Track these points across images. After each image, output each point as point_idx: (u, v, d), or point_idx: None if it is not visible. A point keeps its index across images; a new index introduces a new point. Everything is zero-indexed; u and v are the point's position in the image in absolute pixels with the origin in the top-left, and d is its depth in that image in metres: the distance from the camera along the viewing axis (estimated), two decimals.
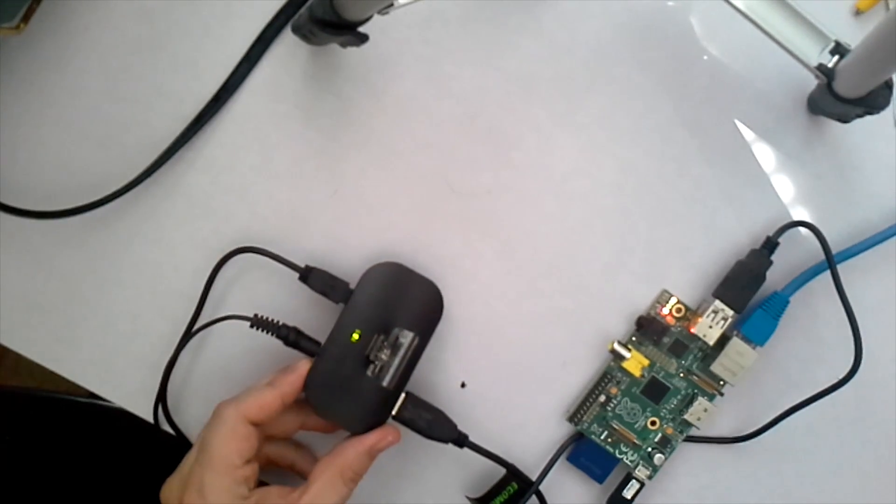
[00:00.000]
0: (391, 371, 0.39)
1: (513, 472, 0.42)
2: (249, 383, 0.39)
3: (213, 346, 0.43)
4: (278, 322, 0.40)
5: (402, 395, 0.40)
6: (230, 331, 0.42)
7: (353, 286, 0.40)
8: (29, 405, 0.67)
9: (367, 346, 0.39)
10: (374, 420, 0.39)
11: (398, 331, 0.39)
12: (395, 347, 0.39)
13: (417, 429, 0.40)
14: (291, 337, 0.40)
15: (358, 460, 0.38)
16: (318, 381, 0.39)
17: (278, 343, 0.40)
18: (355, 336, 0.39)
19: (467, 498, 0.44)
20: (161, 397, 0.42)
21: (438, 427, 0.40)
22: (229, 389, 0.41)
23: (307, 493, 0.37)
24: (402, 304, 0.40)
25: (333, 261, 0.42)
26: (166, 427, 0.43)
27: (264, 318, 0.40)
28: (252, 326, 0.40)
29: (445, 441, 0.41)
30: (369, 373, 0.39)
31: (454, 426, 0.41)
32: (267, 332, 0.40)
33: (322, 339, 0.40)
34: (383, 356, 0.39)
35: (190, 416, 0.43)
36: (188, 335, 0.42)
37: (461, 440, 0.41)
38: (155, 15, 0.41)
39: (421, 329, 0.40)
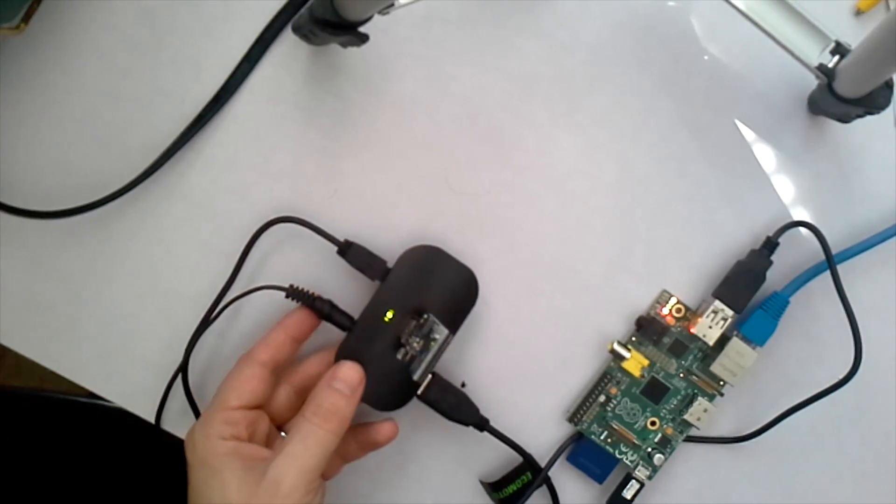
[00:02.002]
0: (422, 366, 0.39)
1: (528, 461, 0.42)
2: None
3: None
4: (313, 293, 0.40)
5: (429, 375, 0.40)
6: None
7: (390, 265, 0.40)
8: (29, 405, 0.67)
9: (400, 328, 0.39)
10: (400, 399, 0.39)
11: (433, 322, 0.39)
12: (427, 339, 0.39)
13: (441, 410, 0.40)
14: (326, 309, 0.40)
15: (325, 395, 0.36)
16: (348, 356, 0.39)
17: None
18: (389, 315, 0.39)
19: (481, 483, 0.44)
20: (183, 368, 0.41)
21: (461, 410, 0.41)
22: None
23: (289, 443, 0.35)
24: (438, 289, 0.40)
25: None
26: (167, 427, 0.43)
27: (300, 288, 0.40)
28: (287, 297, 0.40)
29: (467, 424, 0.41)
30: (399, 356, 0.39)
31: (476, 410, 0.41)
32: (301, 304, 0.40)
33: (354, 315, 0.40)
34: (415, 344, 0.39)
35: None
36: (217, 307, 0.41)
37: (482, 424, 0.41)
38: (155, 15, 0.41)
39: (454, 317, 0.40)
